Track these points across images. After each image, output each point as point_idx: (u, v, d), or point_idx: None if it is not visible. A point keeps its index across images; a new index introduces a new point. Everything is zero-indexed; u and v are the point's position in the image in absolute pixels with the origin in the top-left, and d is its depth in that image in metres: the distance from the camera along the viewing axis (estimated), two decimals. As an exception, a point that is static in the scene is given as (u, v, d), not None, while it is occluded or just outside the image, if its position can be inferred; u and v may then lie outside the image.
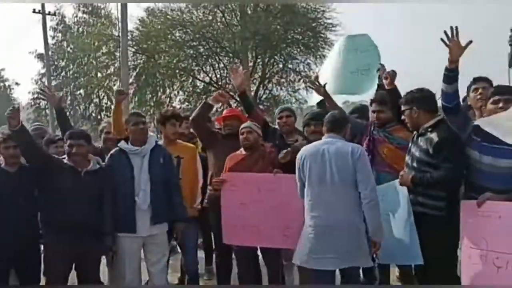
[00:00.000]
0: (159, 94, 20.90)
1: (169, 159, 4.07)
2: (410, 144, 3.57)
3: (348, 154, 3.37)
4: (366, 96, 4.65)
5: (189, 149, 4.54)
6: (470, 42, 3.17)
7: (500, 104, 3.16)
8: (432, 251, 3.30)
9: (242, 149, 4.22)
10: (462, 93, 3.49)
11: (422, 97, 3.46)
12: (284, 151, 4.06)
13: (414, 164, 3.43)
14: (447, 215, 3.27)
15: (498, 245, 2.88)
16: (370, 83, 4.35)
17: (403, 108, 3.54)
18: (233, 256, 4.32)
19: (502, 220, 2.88)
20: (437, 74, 3.40)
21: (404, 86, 4.01)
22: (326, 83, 4.29)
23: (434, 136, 3.31)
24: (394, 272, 4.56)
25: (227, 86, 20.80)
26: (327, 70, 4.89)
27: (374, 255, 3.50)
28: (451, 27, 3.18)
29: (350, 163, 3.35)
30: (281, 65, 20.80)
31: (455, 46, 3.17)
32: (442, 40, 3.17)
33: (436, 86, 3.40)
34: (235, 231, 4.05)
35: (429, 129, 3.39)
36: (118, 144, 3.99)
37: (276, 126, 4.75)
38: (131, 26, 19.41)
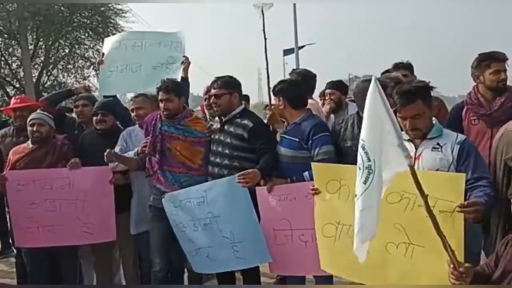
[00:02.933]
0: None
1: None
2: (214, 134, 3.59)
3: None
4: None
5: None
6: None
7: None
8: None
9: (29, 141, 3.84)
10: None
11: (239, 84, 3.59)
12: None
13: (227, 151, 3.47)
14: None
15: (300, 223, 3.15)
16: (172, 77, 4.03)
17: (219, 92, 3.50)
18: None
19: (298, 201, 3.17)
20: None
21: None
22: None
23: (247, 122, 3.44)
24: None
25: (2, 71, 18.42)
26: (118, 64, 4.45)
27: None
28: None
29: None
30: (67, 50, 19.28)
31: None
32: None
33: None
34: (28, 233, 3.72)
35: (238, 116, 3.50)
36: None
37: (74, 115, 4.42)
38: None
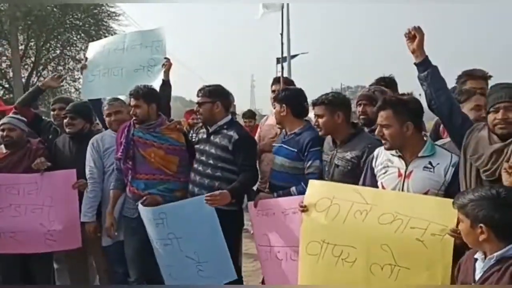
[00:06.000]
0: None
1: None
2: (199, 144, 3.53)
3: None
4: None
5: None
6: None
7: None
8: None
9: (2, 146, 3.79)
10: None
11: (224, 93, 3.53)
12: None
13: (211, 161, 3.41)
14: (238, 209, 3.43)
15: (277, 240, 3.11)
16: (154, 80, 3.99)
17: (201, 100, 3.46)
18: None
19: (276, 216, 3.12)
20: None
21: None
22: None
23: (233, 133, 3.37)
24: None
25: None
26: (100, 67, 4.31)
27: None
28: None
29: None
30: (58, 51, 19.17)
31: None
32: None
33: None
34: None
35: (225, 127, 3.44)
36: None
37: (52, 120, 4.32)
38: None
